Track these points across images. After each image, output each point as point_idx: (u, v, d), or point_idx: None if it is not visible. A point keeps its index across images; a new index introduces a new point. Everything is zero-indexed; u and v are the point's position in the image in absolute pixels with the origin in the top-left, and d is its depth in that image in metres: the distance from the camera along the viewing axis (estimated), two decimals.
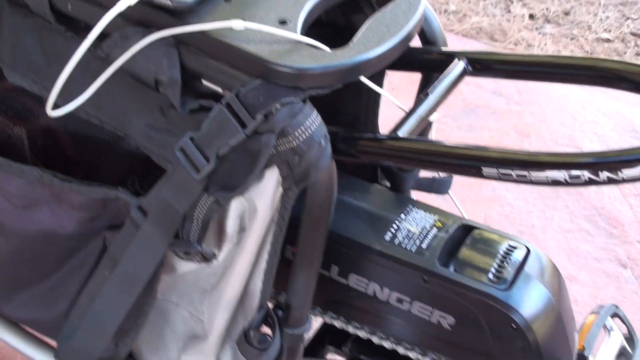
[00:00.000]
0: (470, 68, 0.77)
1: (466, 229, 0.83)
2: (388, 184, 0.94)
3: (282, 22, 0.70)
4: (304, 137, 0.67)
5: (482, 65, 0.77)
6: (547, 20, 2.44)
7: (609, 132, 1.92)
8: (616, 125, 1.94)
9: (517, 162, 0.65)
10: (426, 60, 0.82)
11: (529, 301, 0.75)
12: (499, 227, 1.29)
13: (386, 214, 0.83)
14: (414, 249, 0.78)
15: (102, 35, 0.71)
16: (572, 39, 2.35)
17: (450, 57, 0.79)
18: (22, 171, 0.79)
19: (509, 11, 2.48)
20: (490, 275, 0.75)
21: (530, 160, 0.64)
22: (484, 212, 1.69)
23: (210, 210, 0.71)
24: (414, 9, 0.74)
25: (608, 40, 2.34)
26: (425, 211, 0.84)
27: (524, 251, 0.79)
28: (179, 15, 0.70)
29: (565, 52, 2.27)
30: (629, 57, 2.27)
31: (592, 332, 0.86)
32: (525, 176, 0.64)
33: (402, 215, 0.82)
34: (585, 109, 1.99)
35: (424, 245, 0.78)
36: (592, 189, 1.75)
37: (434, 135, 0.86)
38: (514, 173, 0.65)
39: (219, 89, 0.72)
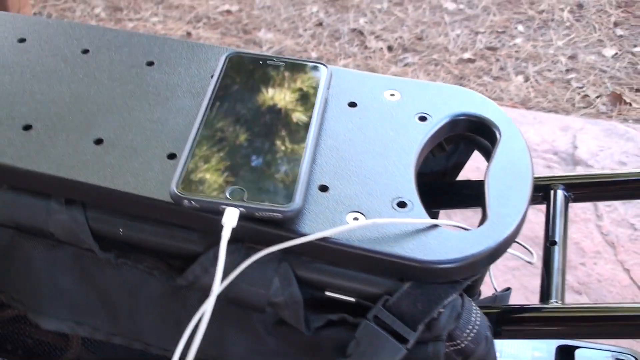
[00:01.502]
0: (571, 195, 0.71)
1: (564, 350, 0.78)
2: None
3: (402, 205, 0.60)
4: (472, 335, 0.58)
5: (583, 189, 0.71)
6: (405, 49, 2.44)
7: None
8: None
9: None
10: None
11: None
12: None
13: None
14: None
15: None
16: (436, 64, 2.37)
17: (540, 188, 0.72)
18: None
19: (366, 47, 2.46)
20: None
21: None
22: None
23: None
24: (520, 146, 0.66)
25: (470, 60, 2.38)
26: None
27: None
28: (285, 224, 0.58)
29: (438, 80, 2.28)
30: (496, 73, 2.32)
31: None
32: None
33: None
34: None
35: None
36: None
37: None
38: None
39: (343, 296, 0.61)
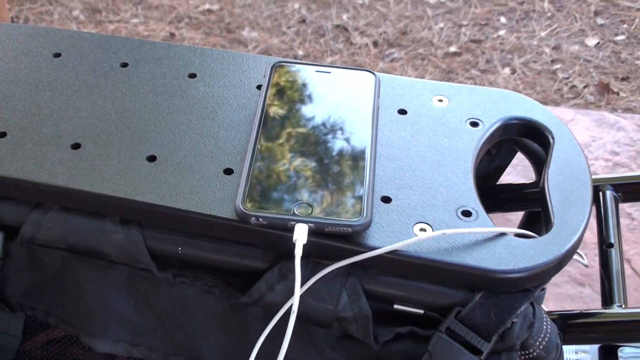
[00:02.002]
0: (620, 195, 0.71)
1: (606, 349, 0.78)
2: None
3: (467, 214, 0.60)
4: (544, 344, 0.58)
5: (632, 190, 0.71)
6: (391, 45, 2.44)
7: None
8: None
9: None
10: None
11: None
12: None
13: None
14: None
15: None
16: (423, 59, 2.37)
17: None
18: None
19: (352, 43, 2.45)
20: None
21: None
22: None
23: None
24: (575, 150, 0.66)
25: (457, 54, 2.39)
26: None
27: None
28: (353, 238, 0.57)
29: (427, 75, 2.28)
30: (483, 66, 2.32)
31: None
32: None
33: None
34: None
35: None
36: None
37: None
38: None
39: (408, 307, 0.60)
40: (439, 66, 2.33)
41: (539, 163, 0.69)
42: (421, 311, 0.58)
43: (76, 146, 0.63)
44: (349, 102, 0.65)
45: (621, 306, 0.63)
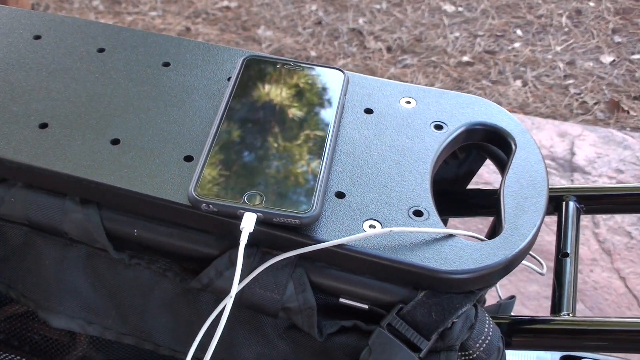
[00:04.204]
0: (583, 207, 0.71)
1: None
2: None
3: (418, 214, 0.60)
4: (484, 346, 0.58)
5: (595, 202, 0.71)
6: (404, 51, 2.45)
7: None
8: None
9: None
10: None
11: None
12: None
13: None
14: None
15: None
16: (435, 67, 2.38)
17: (552, 199, 0.72)
18: None
19: (365, 47, 2.46)
20: None
21: None
22: None
23: None
24: (536, 158, 0.66)
25: (469, 63, 2.39)
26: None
27: None
28: (301, 229, 0.58)
29: (437, 83, 2.28)
30: (495, 77, 2.32)
31: None
32: None
33: None
34: None
35: None
36: None
37: None
38: None
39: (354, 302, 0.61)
40: (450, 75, 2.33)
41: (503, 169, 0.70)
42: (366, 306, 0.59)
43: (43, 126, 0.64)
44: (315, 98, 0.67)
45: (569, 315, 0.64)
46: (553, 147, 2.01)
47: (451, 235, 0.59)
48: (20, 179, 0.63)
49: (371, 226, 0.59)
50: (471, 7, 2.66)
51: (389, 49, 2.46)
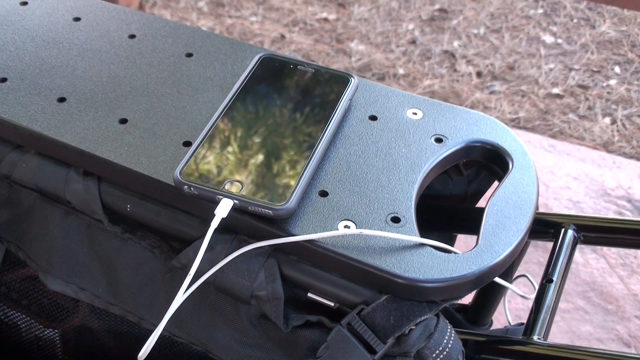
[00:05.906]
0: (581, 236, 0.70)
1: None
2: None
3: (396, 220, 0.61)
4: (441, 357, 0.58)
5: (594, 232, 0.70)
6: (495, 77, 2.42)
7: (583, 198, 1.90)
8: (587, 189, 1.93)
9: None
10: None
11: None
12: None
13: None
14: None
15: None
16: (523, 96, 2.34)
17: (551, 224, 0.72)
18: None
19: (455, 70, 2.46)
20: None
21: None
22: None
23: None
24: (530, 180, 0.66)
25: (559, 96, 2.34)
26: None
27: None
28: (277, 221, 0.60)
29: (521, 112, 2.25)
30: (583, 112, 2.27)
31: None
32: None
33: None
34: (554, 173, 1.97)
35: None
36: (580, 263, 1.72)
37: None
38: None
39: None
40: (537, 105, 2.30)
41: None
42: (332, 304, 0.60)
43: (62, 100, 0.69)
44: (317, 99, 0.68)
45: (540, 339, 0.63)
46: (631, 188, 1.95)
47: (422, 245, 0.59)
48: (33, 146, 0.67)
49: (346, 226, 0.60)
50: (571, 40, 2.61)
51: (478, 74, 2.44)
